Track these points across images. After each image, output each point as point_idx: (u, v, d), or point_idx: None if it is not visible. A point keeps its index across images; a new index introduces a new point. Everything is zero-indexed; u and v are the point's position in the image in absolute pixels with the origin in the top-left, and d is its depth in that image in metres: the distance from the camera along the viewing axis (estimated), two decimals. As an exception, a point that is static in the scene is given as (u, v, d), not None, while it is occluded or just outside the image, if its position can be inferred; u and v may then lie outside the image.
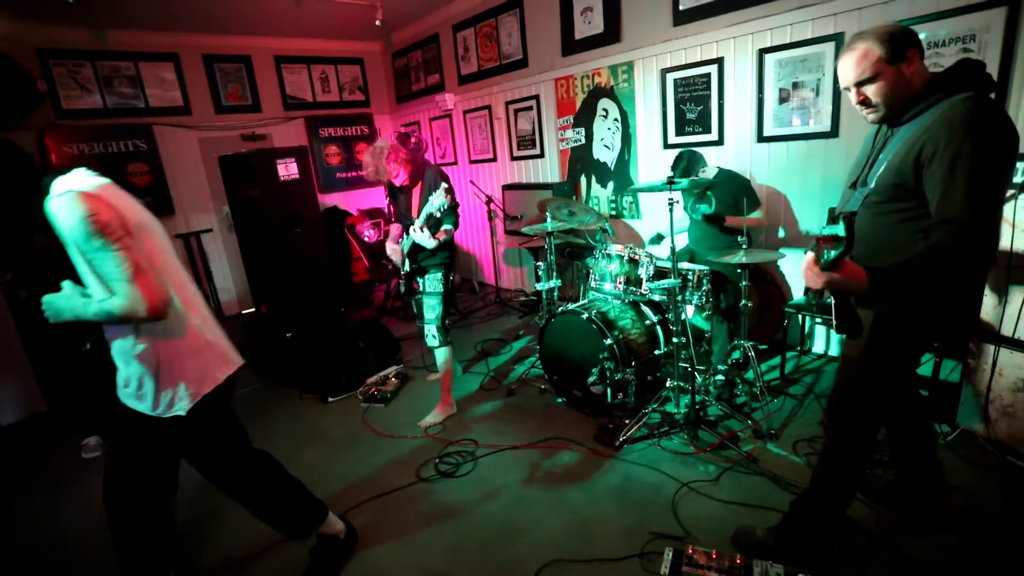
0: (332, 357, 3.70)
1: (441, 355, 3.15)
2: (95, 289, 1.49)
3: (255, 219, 3.99)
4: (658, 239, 3.02)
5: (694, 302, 2.85)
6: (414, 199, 2.97)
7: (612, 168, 4.53)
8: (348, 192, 6.75)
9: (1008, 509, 2.03)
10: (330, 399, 3.57)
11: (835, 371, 1.76)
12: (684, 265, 2.87)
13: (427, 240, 2.79)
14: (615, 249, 3.01)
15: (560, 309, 3.09)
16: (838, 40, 2.97)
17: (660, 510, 2.20)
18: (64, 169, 1.50)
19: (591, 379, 2.76)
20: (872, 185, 1.51)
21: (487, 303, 5.54)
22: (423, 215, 2.77)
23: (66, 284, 1.54)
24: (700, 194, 3.11)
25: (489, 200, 5.20)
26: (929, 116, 1.40)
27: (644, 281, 2.88)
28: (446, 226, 2.85)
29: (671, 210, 2.53)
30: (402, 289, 3.28)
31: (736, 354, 2.96)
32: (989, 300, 2.36)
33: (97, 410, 3.35)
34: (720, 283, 3.06)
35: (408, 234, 2.91)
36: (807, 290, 3.27)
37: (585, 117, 4.61)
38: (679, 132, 3.94)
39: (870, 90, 1.46)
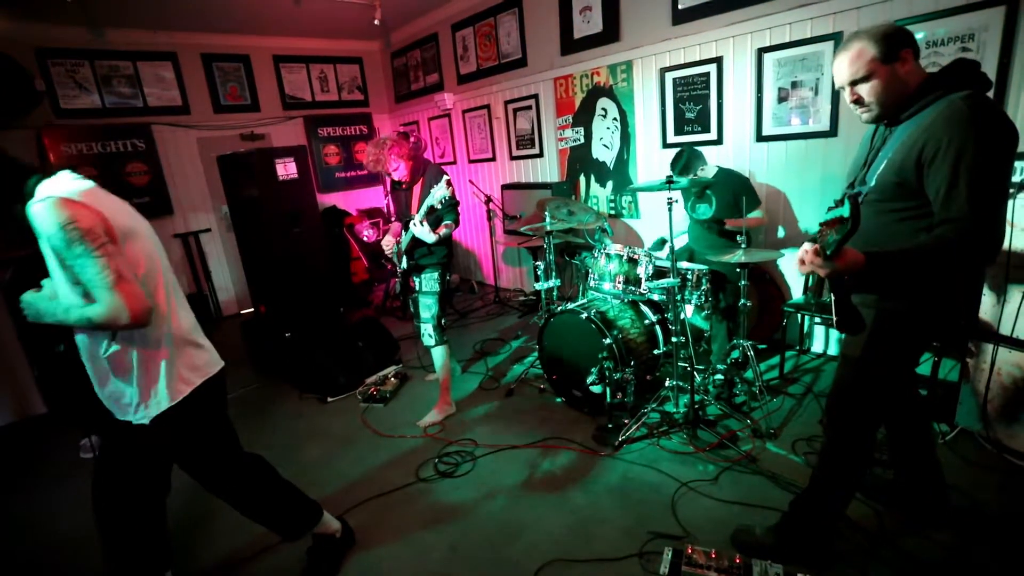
0: (331, 357, 3.69)
1: (438, 354, 3.15)
2: (68, 296, 1.46)
3: (254, 219, 3.99)
4: (660, 244, 3.01)
5: (693, 301, 2.86)
6: (414, 197, 2.97)
7: (611, 167, 4.53)
8: (347, 192, 6.75)
9: (1007, 508, 2.03)
10: (329, 399, 3.57)
11: (834, 370, 1.75)
12: (683, 264, 2.88)
13: (427, 234, 2.79)
14: (614, 248, 3.01)
15: (559, 309, 3.09)
16: (837, 39, 2.97)
17: (659, 510, 2.20)
18: (49, 172, 1.46)
19: (590, 379, 2.76)
20: (872, 184, 1.51)
21: (486, 303, 5.54)
22: (424, 207, 2.77)
23: (46, 283, 1.52)
24: (700, 193, 3.11)
25: (488, 200, 5.21)
26: (929, 114, 1.40)
27: (643, 280, 2.88)
28: (446, 222, 2.86)
29: (670, 209, 2.53)
30: (398, 288, 3.27)
31: (735, 353, 2.96)
32: (988, 299, 2.36)
33: (89, 411, 3.34)
34: (719, 282, 3.06)
35: (408, 229, 2.92)
36: (807, 289, 3.27)
37: (584, 116, 4.61)
38: (678, 131, 3.94)
39: (864, 89, 1.47)
